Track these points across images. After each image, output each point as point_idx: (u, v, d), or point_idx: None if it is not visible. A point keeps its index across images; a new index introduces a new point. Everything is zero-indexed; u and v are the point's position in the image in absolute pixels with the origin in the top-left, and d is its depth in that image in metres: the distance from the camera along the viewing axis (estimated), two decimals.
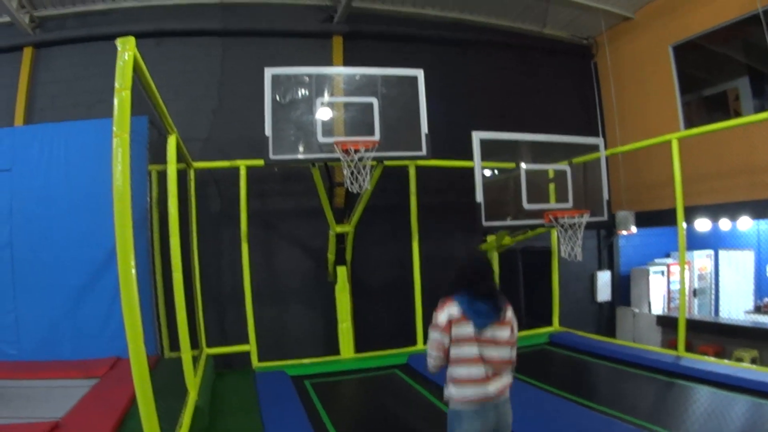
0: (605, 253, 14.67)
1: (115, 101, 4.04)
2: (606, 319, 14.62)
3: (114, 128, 3.96)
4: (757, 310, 13.40)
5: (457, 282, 4.80)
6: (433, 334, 4.63)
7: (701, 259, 15.13)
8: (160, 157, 7.59)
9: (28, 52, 11.23)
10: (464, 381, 4.55)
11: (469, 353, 4.56)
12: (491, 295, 4.74)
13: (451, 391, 4.61)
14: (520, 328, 10.11)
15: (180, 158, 8.09)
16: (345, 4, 11.41)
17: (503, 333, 4.71)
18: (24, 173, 9.49)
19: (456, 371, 4.60)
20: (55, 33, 11.43)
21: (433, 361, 4.69)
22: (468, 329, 4.55)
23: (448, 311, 4.59)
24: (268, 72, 8.38)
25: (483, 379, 4.55)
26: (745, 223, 11.60)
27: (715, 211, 11.55)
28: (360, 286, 11.48)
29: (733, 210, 11.23)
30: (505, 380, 4.74)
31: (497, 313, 4.69)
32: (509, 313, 4.81)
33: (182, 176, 9.11)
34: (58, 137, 9.62)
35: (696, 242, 14.51)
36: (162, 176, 7.69)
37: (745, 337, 11.67)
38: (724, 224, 11.92)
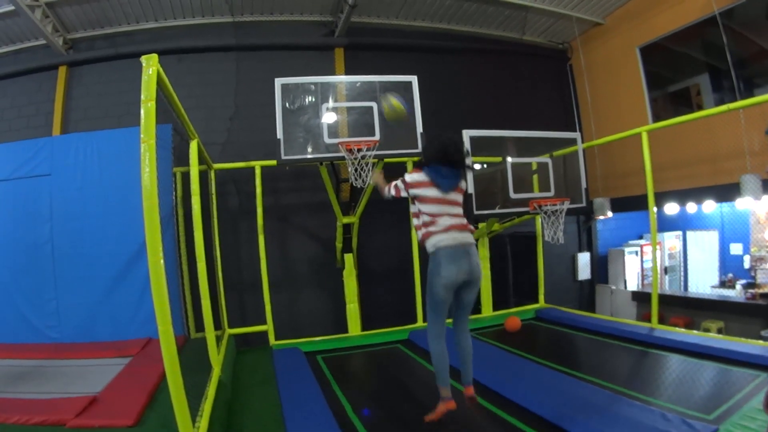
0: (584, 236, 14.67)
1: (142, 111, 4.06)
2: (586, 295, 14.65)
3: (141, 135, 3.97)
4: (722, 284, 13.44)
5: (429, 155, 5.35)
6: (399, 182, 5.34)
7: (671, 240, 15.16)
8: (183, 160, 7.63)
9: (62, 71, 11.27)
10: (438, 227, 5.12)
11: (435, 210, 5.16)
12: (457, 165, 5.32)
13: (427, 230, 5.20)
14: (510, 305, 10.22)
15: (201, 160, 8.10)
16: (344, 19, 11.42)
17: (459, 197, 5.36)
18: (62, 177, 9.54)
19: (430, 217, 5.18)
20: (86, 53, 11.44)
21: (386, 191, 5.51)
22: (432, 191, 5.10)
23: (415, 175, 5.20)
24: (278, 82, 8.40)
25: (455, 226, 5.15)
26: (710, 206, 11.61)
27: (682, 196, 11.55)
28: (365, 271, 11.49)
29: (698, 194, 11.24)
30: (468, 231, 5.29)
31: (458, 181, 5.34)
32: (464, 183, 5.45)
33: (204, 176, 9.15)
34: (91, 145, 9.64)
35: (666, 224, 14.54)
36: (185, 177, 7.74)
37: (711, 310, 11.77)
38: (691, 207, 11.91)
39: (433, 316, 5.26)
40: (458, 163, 5.35)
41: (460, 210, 5.34)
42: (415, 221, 5.44)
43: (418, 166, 5.45)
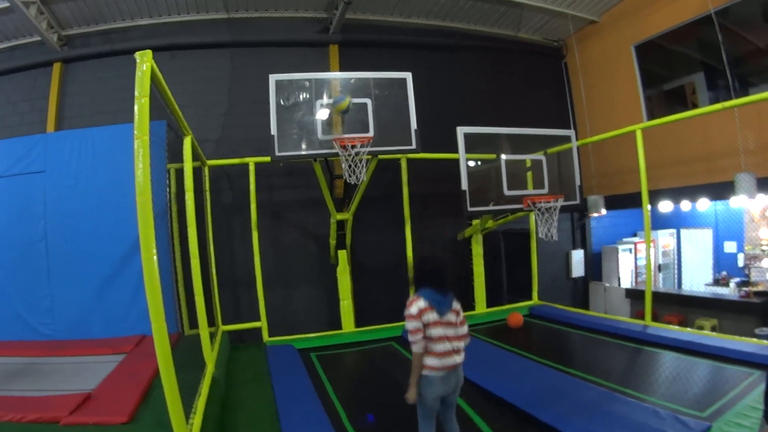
0: (578, 233, 14.71)
1: (136, 107, 4.07)
2: (580, 292, 14.70)
3: (135, 131, 3.99)
4: (716, 282, 13.44)
5: (420, 281, 5.56)
6: (411, 323, 5.27)
7: (665, 238, 15.18)
8: (177, 157, 7.66)
9: (57, 67, 11.27)
10: (435, 354, 5.26)
11: (436, 333, 5.27)
12: (446, 289, 5.49)
13: (427, 362, 5.28)
14: (503, 302, 10.25)
15: (195, 157, 8.12)
16: (339, 15, 11.42)
17: (454, 317, 5.46)
18: (56, 174, 9.53)
19: (431, 347, 5.26)
20: (81, 49, 11.44)
21: (418, 345, 5.27)
22: (433, 315, 5.28)
23: (416, 304, 5.28)
24: (272, 78, 8.42)
25: (449, 352, 5.30)
26: (704, 204, 11.59)
27: (676, 194, 11.59)
28: (359, 267, 11.50)
29: (692, 192, 11.26)
30: (462, 353, 5.49)
31: (450, 302, 5.47)
32: (455, 302, 5.53)
33: (197, 173, 9.15)
34: (86, 141, 9.64)
35: (660, 222, 14.56)
36: (179, 173, 7.76)
37: (705, 308, 11.77)
38: (685, 205, 11.91)
39: (424, 421, 5.53)
40: (445, 286, 5.60)
41: (457, 330, 5.52)
42: (416, 342, 5.42)
43: (415, 292, 5.59)
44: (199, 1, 11.22)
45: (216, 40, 11.71)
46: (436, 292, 5.42)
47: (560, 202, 9.61)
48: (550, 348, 9.10)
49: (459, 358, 5.46)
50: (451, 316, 5.47)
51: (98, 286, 9.25)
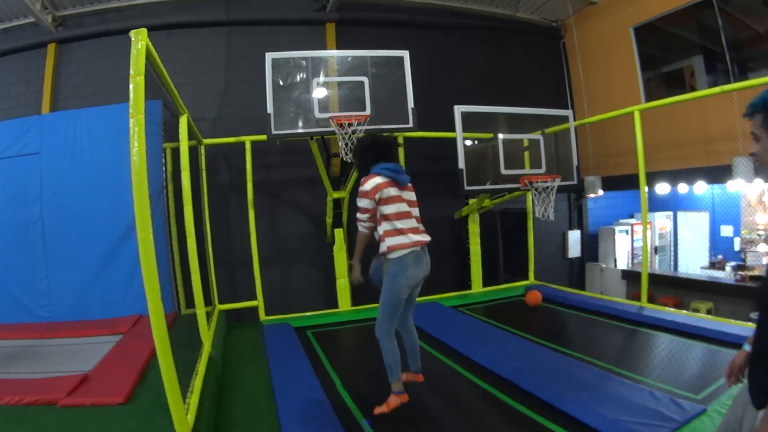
0: (575, 214, 14.72)
1: (131, 86, 4.02)
2: (576, 273, 14.74)
3: (130, 110, 3.94)
4: (712, 266, 13.48)
5: (370, 159, 5.52)
6: (363, 201, 5.25)
7: (662, 220, 15.23)
8: (173, 136, 7.61)
9: (51, 48, 11.17)
10: (403, 232, 5.23)
11: (400, 209, 5.28)
12: (395, 159, 5.58)
13: (394, 242, 5.23)
14: (500, 282, 10.25)
15: (191, 136, 8.06)
16: None
17: (413, 195, 5.54)
18: (52, 156, 9.45)
19: (395, 224, 5.24)
20: (76, 30, 11.32)
21: (365, 224, 5.35)
22: (393, 190, 5.27)
23: (373, 180, 5.19)
24: (269, 56, 8.38)
25: (416, 229, 5.35)
26: (701, 187, 11.60)
27: (673, 177, 11.59)
28: (355, 246, 11.50)
29: (690, 175, 11.26)
30: (424, 231, 5.48)
31: (406, 173, 5.45)
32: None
33: (194, 152, 9.10)
34: (81, 122, 9.56)
35: (657, 204, 14.60)
36: (175, 153, 7.71)
37: (701, 290, 11.85)
38: (682, 188, 11.90)
39: (389, 315, 5.39)
40: (396, 156, 5.68)
41: (417, 210, 5.54)
42: (378, 230, 5.41)
43: (366, 174, 5.51)
44: None
45: (212, 18, 11.60)
46: (388, 163, 5.41)
47: (557, 182, 9.62)
48: (546, 327, 9.15)
49: (427, 236, 5.45)
50: (410, 194, 5.52)
51: (95, 267, 9.23)
